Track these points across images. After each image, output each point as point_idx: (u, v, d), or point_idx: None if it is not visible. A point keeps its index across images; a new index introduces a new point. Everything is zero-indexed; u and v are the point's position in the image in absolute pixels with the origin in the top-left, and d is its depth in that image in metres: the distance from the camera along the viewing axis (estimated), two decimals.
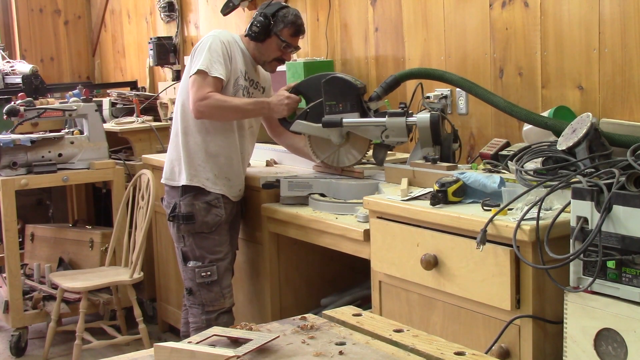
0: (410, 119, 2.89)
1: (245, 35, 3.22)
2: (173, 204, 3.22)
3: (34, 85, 5.39)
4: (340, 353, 1.38)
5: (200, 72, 3.07)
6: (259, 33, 3.16)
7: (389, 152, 3.48)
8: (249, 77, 3.23)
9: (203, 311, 3.21)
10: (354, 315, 1.58)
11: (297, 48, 3.29)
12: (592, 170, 2.11)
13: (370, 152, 3.19)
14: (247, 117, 3.24)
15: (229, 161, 3.22)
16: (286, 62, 3.45)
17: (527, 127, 2.80)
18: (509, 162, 2.51)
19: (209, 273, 3.18)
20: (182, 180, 3.19)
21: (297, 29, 3.20)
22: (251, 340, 1.40)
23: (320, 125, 3.06)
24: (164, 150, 3.74)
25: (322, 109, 3.07)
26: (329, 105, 3.05)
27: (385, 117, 2.94)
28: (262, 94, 3.34)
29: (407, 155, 3.07)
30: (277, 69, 3.36)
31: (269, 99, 3.17)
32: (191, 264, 3.20)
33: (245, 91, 3.21)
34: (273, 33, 3.17)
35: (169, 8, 5.43)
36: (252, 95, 3.26)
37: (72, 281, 4.03)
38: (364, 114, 3.02)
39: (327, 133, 3.08)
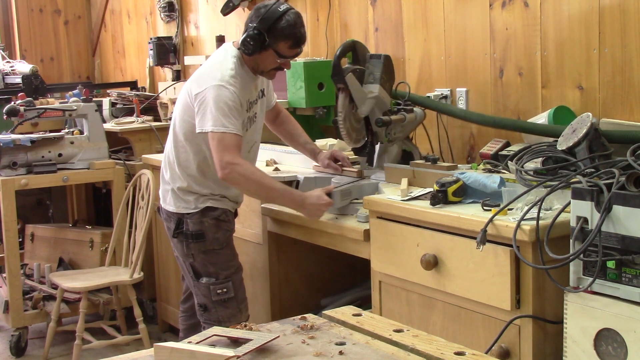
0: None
1: (238, 48, 2.93)
2: (177, 219, 2.99)
3: (34, 85, 5.38)
4: (340, 353, 1.38)
5: (220, 131, 2.79)
6: (254, 49, 2.85)
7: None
8: (249, 102, 2.95)
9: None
10: (354, 315, 1.58)
11: (298, 54, 3.02)
12: (592, 170, 2.11)
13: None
14: (269, 202, 3.05)
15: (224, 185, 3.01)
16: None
17: None
18: (509, 162, 2.51)
19: (225, 290, 2.97)
20: (184, 209, 3.00)
21: (297, 40, 2.89)
22: (251, 340, 1.40)
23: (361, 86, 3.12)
24: (163, 150, 3.72)
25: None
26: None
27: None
28: (263, 98, 3.11)
29: None
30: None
31: (306, 195, 2.80)
32: (204, 280, 2.98)
33: (246, 120, 2.97)
34: (270, 47, 2.86)
35: (169, 8, 5.44)
36: (255, 114, 3.02)
37: (72, 281, 4.03)
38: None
39: (362, 100, 3.09)
